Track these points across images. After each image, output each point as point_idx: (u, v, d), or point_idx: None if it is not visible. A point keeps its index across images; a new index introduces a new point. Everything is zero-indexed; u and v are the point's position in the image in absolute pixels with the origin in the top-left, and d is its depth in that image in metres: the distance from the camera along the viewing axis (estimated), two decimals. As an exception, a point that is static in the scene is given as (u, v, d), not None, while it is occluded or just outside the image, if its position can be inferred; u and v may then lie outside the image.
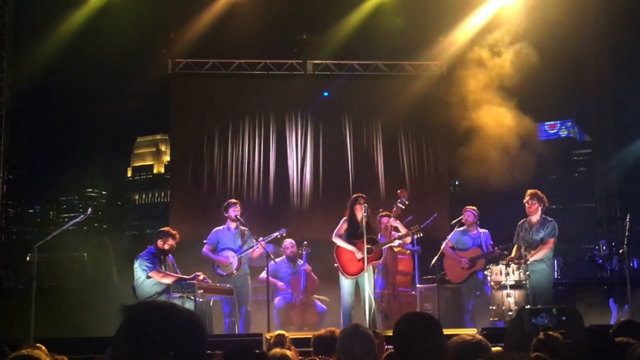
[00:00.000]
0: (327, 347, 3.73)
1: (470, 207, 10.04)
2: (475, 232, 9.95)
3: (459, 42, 14.30)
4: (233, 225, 9.55)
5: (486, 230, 10.03)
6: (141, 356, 1.75)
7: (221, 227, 9.66)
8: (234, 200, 9.72)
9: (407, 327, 2.88)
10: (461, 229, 9.97)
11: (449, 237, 9.82)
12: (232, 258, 9.36)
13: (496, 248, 9.63)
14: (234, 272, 9.31)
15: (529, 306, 2.41)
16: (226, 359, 2.24)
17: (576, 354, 2.43)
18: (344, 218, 8.99)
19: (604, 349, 2.91)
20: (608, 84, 15.23)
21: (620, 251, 11.03)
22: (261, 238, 9.26)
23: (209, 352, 4.93)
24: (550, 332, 3.93)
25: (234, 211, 9.46)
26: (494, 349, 3.18)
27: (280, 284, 10.26)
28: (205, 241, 9.72)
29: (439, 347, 2.79)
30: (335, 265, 8.90)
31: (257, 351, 2.65)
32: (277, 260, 9.77)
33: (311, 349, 5.92)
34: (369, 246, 8.61)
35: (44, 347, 3.95)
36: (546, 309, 2.45)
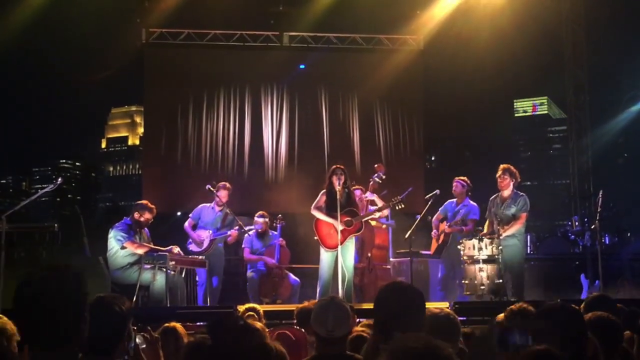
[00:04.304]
0: (309, 320, 3.68)
1: (459, 177, 9.79)
2: (460, 204, 9.67)
3: (437, 17, 14.25)
4: (218, 207, 9.55)
5: (474, 204, 9.62)
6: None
7: (208, 205, 9.66)
8: (223, 184, 9.67)
9: (392, 296, 2.84)
10: (453, 200, 9.79)
11: (440, 208, 9.79)
12: (206, 238, 9.35)
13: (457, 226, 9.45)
14: (205, 251, 9.32)
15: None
16: (209, 331, 2.19)
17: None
18: (323, 190, 8.77)
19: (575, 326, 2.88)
20: (584, 61, 15.26)
21: (592, 227, 11.12)
22: (235, 229, 9.34)
23: (182, 323, 4.87)
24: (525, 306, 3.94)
25: (218, 196, 9.46)
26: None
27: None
28: (190, 215, 9.74)
29: (420, 319, 2.76)
30: (315, 238, 8.80)
31: (242, 322, 2.61)
32: (249, 233, 9.73)
33: (283, 322, 5.94)
34: (348, 218, 8.55)
35: (5, 318, 3.88)
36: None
